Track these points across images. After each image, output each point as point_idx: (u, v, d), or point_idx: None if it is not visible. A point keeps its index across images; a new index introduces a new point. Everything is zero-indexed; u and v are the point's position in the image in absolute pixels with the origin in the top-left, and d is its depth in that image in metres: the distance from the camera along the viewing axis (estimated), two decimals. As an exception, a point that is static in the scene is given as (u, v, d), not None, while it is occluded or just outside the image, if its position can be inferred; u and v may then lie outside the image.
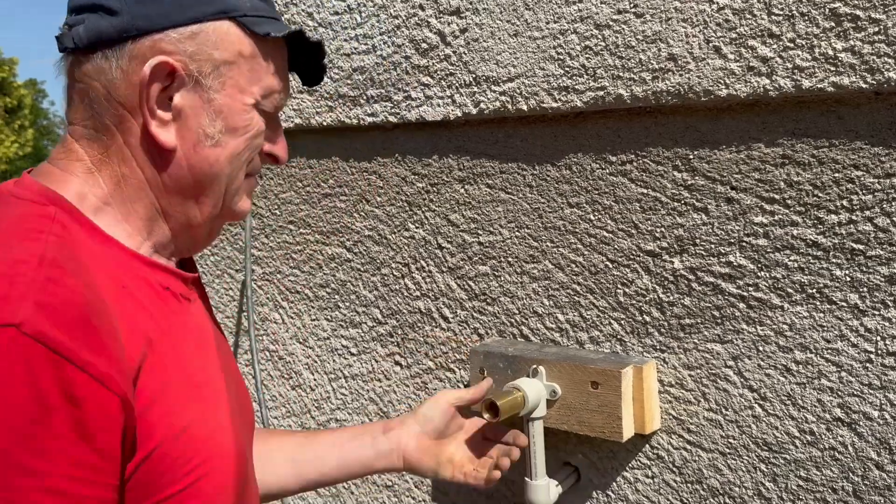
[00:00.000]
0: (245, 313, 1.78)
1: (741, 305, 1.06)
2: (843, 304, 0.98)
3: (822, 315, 1.00)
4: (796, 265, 1.01)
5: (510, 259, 1.30)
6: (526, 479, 1.19)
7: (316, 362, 1.65)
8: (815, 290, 1.00)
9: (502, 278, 1.31)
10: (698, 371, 1.12)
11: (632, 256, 1.16)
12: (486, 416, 1.10)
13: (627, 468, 1.21)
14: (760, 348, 1.06)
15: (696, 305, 1.10)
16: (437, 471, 1.12)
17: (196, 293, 0.88)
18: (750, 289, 1.05)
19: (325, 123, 1.50)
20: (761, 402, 1.06)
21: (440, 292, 1.41)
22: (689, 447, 1.14)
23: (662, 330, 1.14)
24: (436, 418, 1.13)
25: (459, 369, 1.40)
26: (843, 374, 0.99)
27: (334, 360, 1.61)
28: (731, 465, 1.10)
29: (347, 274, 1.56)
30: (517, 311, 1.30)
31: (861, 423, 0.99)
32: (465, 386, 1.35)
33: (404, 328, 1.48)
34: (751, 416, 1.08)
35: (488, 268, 1.33)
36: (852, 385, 0.99)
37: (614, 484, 1.23)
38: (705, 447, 1.12)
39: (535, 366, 1.19)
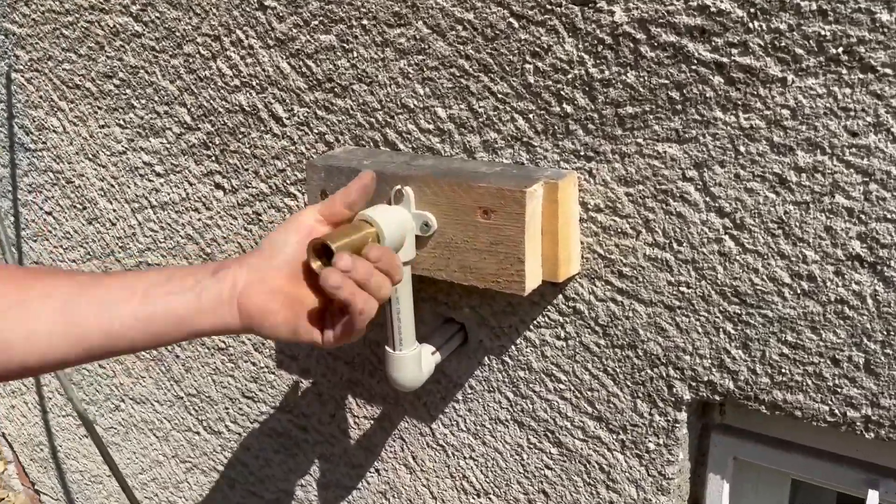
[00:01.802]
0: (16, 120, 1.28)
1: (716, 80, 0.67)
2: (889, 71, 0.60)
3: (848, 91, 0.61)
4: (814, 8, 0.61)
5: (366, 22, 0.85)
6: (387, 349, 0.82)
7: (113, 186, 1.20)
8: (840, 50, 0.61)
9: (355, 54, 0.87)
10: (641, 188, 0.73)
11: (549, 7, 0.73)
12: (316, 264, 0.70)
13: (532, 327, 0.85)
14: (742, 149, 0.67)
15: (646, 84, 0.70)
16: (295, 329, 0.68)
17: None
18: (733, 52, 0.65)
19: None
20: (735, 233, 0.70)
21: (268, 79, 0.95)
22: (619, 298, 0.78)
23: (591, 126, 0.74)
24: (290, 245, 0.69)
25: (304, 193, 0.98)
26: (874, 186, 0.63)
27: (136, 184, 1.16)
28: (682, 324, 0.75)
29: (138, 56, 1.07)
30: (378, 105, 0.87)
31: (892, 264, 0.64)
32: (309, 216, 0.93)
33: (223, 135, 1.03)
34: (717, 254, 0.71)
35: (334, 37, 0.88)
36: (886, 204, 0.63)
37: (513, 348, 0.87)
38: (644, 298, 0.77)
39: (398, 186, 0.78)
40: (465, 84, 0.80)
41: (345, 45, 0.87)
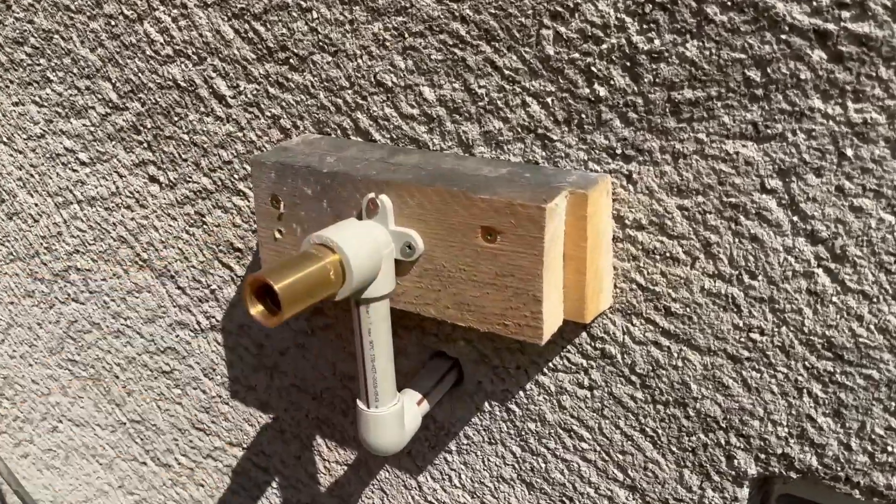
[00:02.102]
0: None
1: (816, 56, 0.47)
2: None
3: None
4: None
5: (327, -27, 0.64)
6: (359, 404, 0.63)
7: (33, 176, 0.99)
8: None
9: (315, 14, 0.66)
10: (700, 200, 0.54)
11: (576, -49, 0.52)
12: (255, 311, 0.50)
13: (546, 370, 0.66)
14: (849, 152, 0.48)
15: (713, 59, 0.50)
16: None
17: None
18: (844, 15, 0.45)
19: None
20: (832, 266, 0.51)
21: (206, 47, 0.74)
22: (665, 342, 0.59)
23: (632, 115, 0.54)
24: None
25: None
26: None
27: (58, 174, 0.96)
28: (752, 381, 0.57)
29: (51, 17, 0.86)
30: (347, 83, 0.67)
31: None
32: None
33: (155, 117, 0.82)
34: (805, 293, 0.52)
35: (287, -6, 0.67)
36: None
37: (522, 394, 0.69)
38: (699, 345, 0.58)
39: (372, 195, 0.58)
40: (461, 56, 0.60)
41: (301, 1, 0.66)
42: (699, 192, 0.54)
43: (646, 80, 0.53)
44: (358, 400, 0.63)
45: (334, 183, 0.60)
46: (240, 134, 0.76)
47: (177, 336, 0.95)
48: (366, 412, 0.62)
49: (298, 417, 0.87)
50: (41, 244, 1.03)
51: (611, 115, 0.55)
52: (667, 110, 0.53)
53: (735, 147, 0.51)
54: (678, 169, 0.54)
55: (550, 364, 0.66)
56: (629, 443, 0.64)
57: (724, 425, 0.59)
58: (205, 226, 0.84)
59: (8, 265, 1.11)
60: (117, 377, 1.05)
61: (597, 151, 0.57)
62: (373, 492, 0.85)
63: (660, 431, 0.62)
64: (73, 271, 1.01)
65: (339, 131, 0.69)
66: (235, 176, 0.79)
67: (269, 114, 0.73)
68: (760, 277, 0.54)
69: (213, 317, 0.89)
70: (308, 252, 0.53)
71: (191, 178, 0.82)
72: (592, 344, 0.63)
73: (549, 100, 0.57)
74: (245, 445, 0.95)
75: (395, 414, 0.62)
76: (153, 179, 0.86)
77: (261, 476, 0.95)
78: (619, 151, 0.56)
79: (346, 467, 0.86)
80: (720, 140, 0.52)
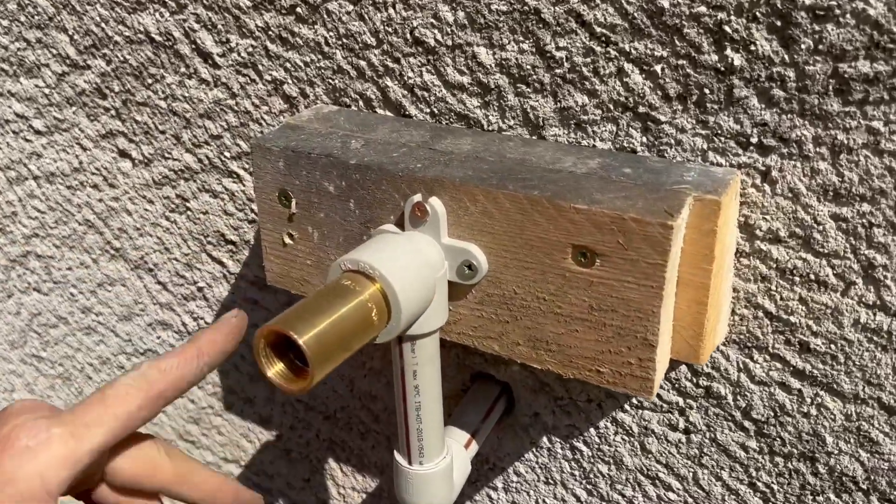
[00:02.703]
0: None
1: None
2: None
3: None
4: None
5: None
6: (398, 459, 0.49)
7: (-23, 146, 0.82)
8: None
9: (330, -50, 0.50)
10: (866, 208, 0.40)
11: None
12: (273, 373, 0.36)
13: (628, 406, 0.53)
14: None
15: (917, 18, 0.36)
16: None
17: None
18: None
19: None
20: None
21: (187, -8, 0.58)
22: (796, 385, 0.46)
23: (777, 93, 0.40)
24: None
25: (252, 173, 0.63)
26: None
27: (8, 144, 0.79)
28: (914, 440, 0.44)
29: (-16, -49, 0.68)
30: (373, 39, 0.51)
31: None
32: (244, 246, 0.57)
33: (124, 78, 0.66)
34: None
35: (293, -79, 0.51)
36: None
37: (593, 431, 0.55)
38: (844, 391, 0.45)
39: (419, 196, 0.44)
40: (533, 6, 0.44)
41: (313, -68, 0.50)
42: (866, 198, 0.40)
43: (803, 46, 0.38)
44: (396, 453, 0.49)
45: (365, 179, 0.45)
46: (231, 102, 0.60)
47: (158, 337, 0.80)
48: (407, 470, 0.48)
49: (308, 437, 0.74)
50: (-7, 225, 0.87)
51: (747, 92, 0.40)
52: (829, 88, 0.38)
53: (926, 139, 0.37)
54: (838, 167, 0.40)
55: (634, 400, 0.52)
56: (732, 497, 0.52)
57: (864, 487, 0.47)
58: (189, 212, 0.69)
59: (-43, 246, 0.95)
60: (90, 378, 0.91)
61: (722, 139, 0.42)
62: (397, 524, 0.72)
63: (775, 487, 0.50)
64: (32, 257, 0.86)
65: (360, 102, 0.54)
66: (226, 154, 0.63)
67: (268, 77, 0.57)
68: (942, 311, 0.40)
69: (202, 318, 0.75)
70: (340, 284, 0.38)
71: (170, 154, 0.67)
72: (694, 381, 0.49)
73: (657, 68, 0.42)
74: (243, 463, 0.82)
75: (443, 471, 0.49)
76: (124, 154, 0.70)
77: (264, 497, 0.82)
78: (754, 140, 0.41)
79: (364, 495, 0.73)
80: (905, 129, 0.38)
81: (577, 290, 0.41)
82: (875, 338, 0.43)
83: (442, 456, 0.49)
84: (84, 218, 0.77)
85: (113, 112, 0.68)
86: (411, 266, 0.41)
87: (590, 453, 0.56)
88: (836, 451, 0.47)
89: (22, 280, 0.89)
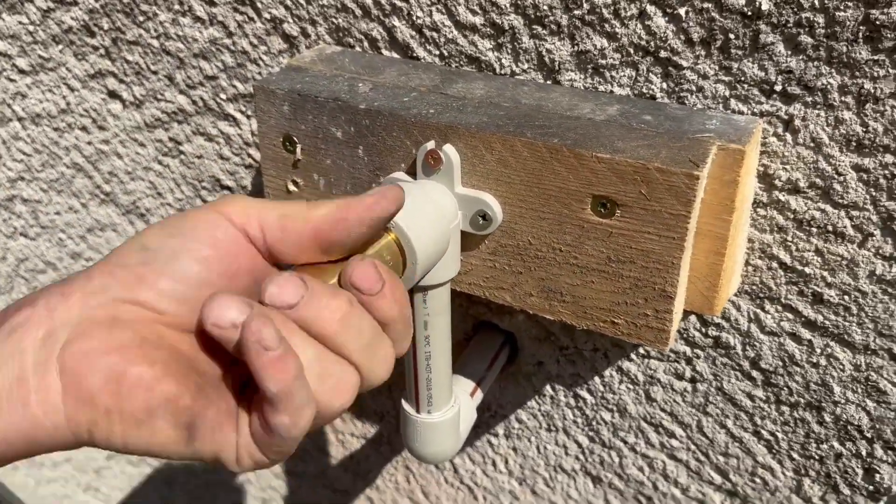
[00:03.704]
0: None
1: None
2: None
3: None
4: None
5: None
6: (405, 407, 0.49)
7: (-43, 85, 0.79)
8: None
9: None
10: (889, 159, 0.39)
11: None
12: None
13: (634, 356, 0.53)
14: None
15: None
16: (190, 427, 0.30)
17: None
18: None
19: None
20: None
21: (180, -77, 0.55)
22: (807, 335, 0.46)
23: (804, 38, 0.39)
24: (189, 264, 0.32)
25: (250, 116, 0.61)
26: None
27: (-11, 83, 0.76)
28: (922, 390, 0.44)
29: None
30: (378, -23, 0.49)
31: None
32: (262, 194, 0.56)
33: (113, 15, 0.63)
34: None
35: None
36: None
37: (597, 380, 0.56)
38: (855, 341, 0.45)
39: (433, 143, 0.42)
40: (553, -55, 0.42)
41: None
42: (889, 149, 0.39)
43: (835, -13, 0.37)
44: (404, 402, 0.49)
45: (375, 125, 0.44)
46: (228, 41, 0.58)
47: (152, 283, 0.79)
48: (416, 419, 0.48)
49: (305, 384, 0.74)
50: (-24, 168, 0.85)
51: (773, 38, 0.39)
52: (859, 35, 0.37)
53: (956, 88, 0.36)
54: (863, 116, 0.39)
55: (640, 350, 0.52)
56: (736, 445, 0.52)
57: (869, 435, 0.47)
58: (182, 156, 0.67)
59: (-62, 189, 0.92)
60: (81, 324, 0.90)
61: (745, 86, 0.41)
62: (396, 469, 0.73)
63: (779, 435, 0.50)
64: (18, 201, 0.83)
65: (365, 43, 0.52)
66: (222, 96, 0.61)
67: (267, 16, 0.55)
68: (960, 264, 0.40)
69: (197, 264, 0.74)
70: (355, 233, 0.37)
71: (162, 95, 0.65)
72: (703, 330, 0.49)
73: (681, 10, 0.41)
74: (239, 409, 0.82)
75: (451, 419, 0.49)
76: (114, 95, 0.68)
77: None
78: (778, 88, 0.40)
79: (363, 440, 0.74)
80: (935, 78, 0.37)
81: (595, 240, 0.40)
82: (890, 290, 0.42)
83: (450, 405, 0.49)
84: (72, 161, 0.75)
85: (102, 51, 0.66)
86: (426, 216, 0.39)
87: (593, 401, 0.57)
88: (842, 401, 0.47)
89: (7, 225, 0.86)
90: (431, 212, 0.40)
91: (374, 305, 0.33)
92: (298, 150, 0.47)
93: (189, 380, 0.31)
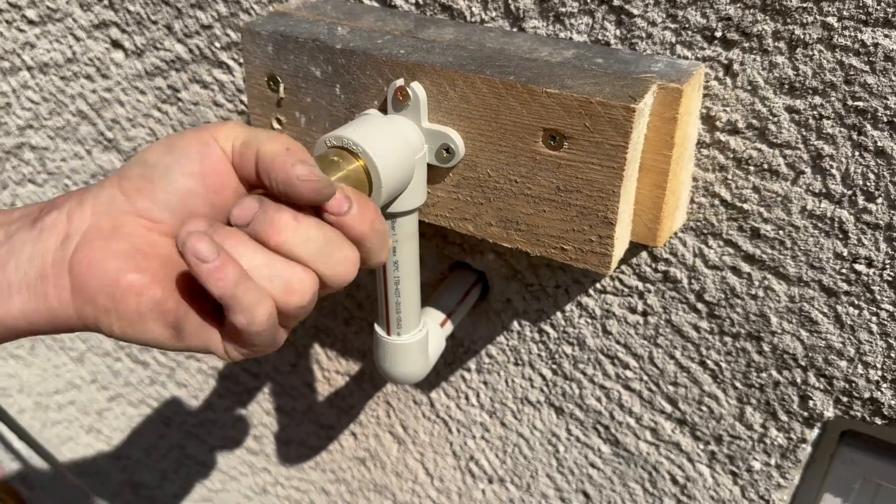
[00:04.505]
0: None
1: None
2: None
3: None
4: None
5: None
6: (377, 330, 0.53)
7: (-31, 35, 0.83)
8: None
9: None
10: (818, 100, 0.43)
11: None
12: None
13: (592, 291, 0.57)
14: None
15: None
16: (178, 324, 0.36)
17: None
18: None
19: None
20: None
21: None
22: (746, 268, 0.50)
23: (745, -13, 0.42)
24: (179, 177, 0.37)
25: (241, 63, 0.65)
26: None
27: (2, 34, 0.80)
28: (847, 318, 0.48)
29: None
30: (359, -70, 0.53)
31: None
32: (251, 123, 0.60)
33: (115, -33, 0.67)
34: (937, 221, 0.43)
35: None
36: None
37: (559, 315, 0.60)
38: (789, 273, 0.49)
39: (402, 81, 0.46)
40: None
41: None
42: (817, 91, 0.43)
43: (768, -60, 0.40)
44: (376, 325, 0.53)
45: (350, 64, 0.48)
46: (222, -8, 0.62)
47: (151, 227, 0.83)
48: (386, 340, 0.53)
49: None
50: (-14, 116, 0.89)
51: (714, -13, 0.43)
52: (790, -18, 0.41)
53: (874, 37, 0.40)
54: (794, 61, 0.43)
55: (598, 285, 0.56)
56: (684, 375, 0.56)
57: (803, 363, 0.51)
58: (180, 103, 0.71)
59: (-50, 137, 0.96)
60: (85, 268, 0.95)
61: (689, 33, 0.45)
62: (377, 404, 0.78)
63: (723, 365, 0.54)
64: (26, 149, 0.88)
65: (348, -6, 0.56)
66: (216, 44, 0.65)
67: (259, -32, 0.59)
68: (880, 200, 0.44)
69: (194, 208, 0.78)
70: (324, 157, 0.41)
71: (161, 44, 0.69)
72: (653, 266, 0.53)
73: (631, -37, 0.44)
74: (233, 349, 0.86)
75: (419, 342, 0.53)
76: (116, 45, 0.72)
77: (251, 381, 0.87)
78: (718, 34, 0.44)
79: (347, 378, 0.78)
80: (856, 27, 0.40)
81: (546, 171, 0.44)
82: (819, 224, 0.46)
83: (418, 328, 0.53)
84: (77, 109, 0.79)
85: (106, 2, 0.69)
86: (393, 145, 0.43)
87: (556, 335, 0.61)
88: (779, 331, 0.51)
89: (17, 171, 0.91)
90: (398, 142, 0.44)
91: (346, 224, 0.37)
92: (281, 88, 0.51)
93: (174, 285, 0.36)
